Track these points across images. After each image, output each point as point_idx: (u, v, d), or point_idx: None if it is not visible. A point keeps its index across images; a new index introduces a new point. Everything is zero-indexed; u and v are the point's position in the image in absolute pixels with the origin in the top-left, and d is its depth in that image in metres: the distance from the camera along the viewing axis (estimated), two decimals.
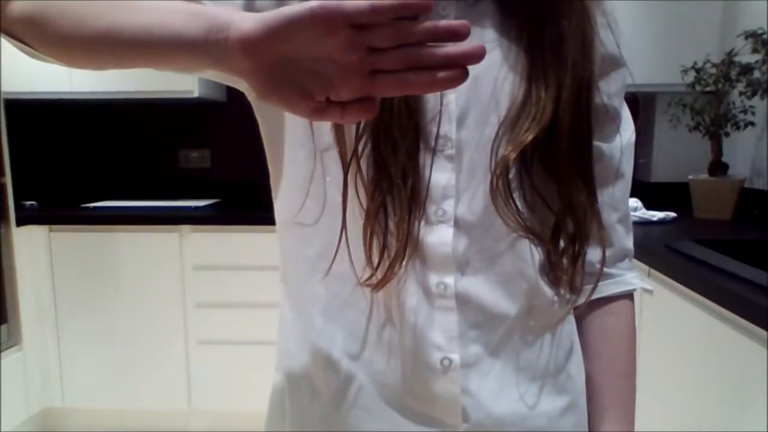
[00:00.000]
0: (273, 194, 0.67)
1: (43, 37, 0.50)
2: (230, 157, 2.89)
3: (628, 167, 0.69)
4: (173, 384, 2.47)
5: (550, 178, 0.57)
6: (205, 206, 2.61)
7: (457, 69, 0.39)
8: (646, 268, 1.56)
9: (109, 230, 2.42)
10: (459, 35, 0.38)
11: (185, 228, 2.39)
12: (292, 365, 0.66)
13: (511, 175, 0.56)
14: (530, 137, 0.55)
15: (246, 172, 2.83)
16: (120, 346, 2.47)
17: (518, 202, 0.57)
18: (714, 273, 1.23)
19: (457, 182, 0.58)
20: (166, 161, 2.93)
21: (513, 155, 0.56)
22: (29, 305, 2.40)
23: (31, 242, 2.41)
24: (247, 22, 0.41)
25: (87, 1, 0.48)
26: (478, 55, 0.39)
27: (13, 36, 0.52)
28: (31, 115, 2.87)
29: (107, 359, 2.47)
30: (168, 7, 0.46)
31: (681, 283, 1.33)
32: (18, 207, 2.38)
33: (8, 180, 2.31)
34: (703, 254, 1.37)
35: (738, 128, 2.04)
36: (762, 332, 1.02)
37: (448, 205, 0.58)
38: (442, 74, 0.39)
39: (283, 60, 0.42)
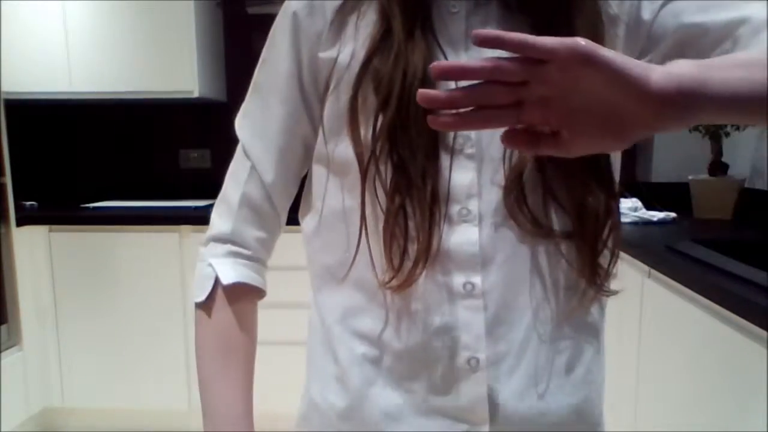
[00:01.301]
0: (301, 215, 0.70)
1: None
2: (230, 157, 2.87)
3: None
4: (173, 384, 2.47)
5: (563, 179, 0.58)
6: (205, 206, 2.61)
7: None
8: (646, 268, 1.56)
9: (109, 230, 2.42)
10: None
11: (185, 228, 2.39)
12: (318, 371, 0.68)
13: (525, 177, 0.57)
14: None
15: None
16: (120, 346, 2.47)
17: (531, 204, 0.57)
18: (714, 273, 1.23)
19: (479, 180, 0.58)
20: (166, 161, 2.93)
21: (527, 160, 0.56)
22: (29, 305, 2.40)
23: (31, 242, 2.41)
24: None
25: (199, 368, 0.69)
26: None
27: None
28: (31, 115, 2.87)
29: (107, 359, 2.47)
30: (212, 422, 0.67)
31: (681, 283, 1.33)
32: (18, 207, 2.38)
33: (8, 180, 2.31)
34: (703, 254, 1.37)
35: (738, 128, 2.04)
36: (762, 332, 1.02)
37: (473, 204, 0.58)
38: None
39: None
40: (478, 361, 0.59)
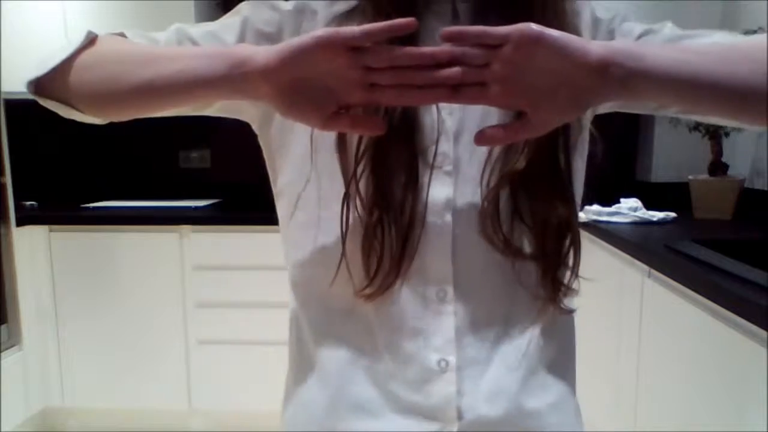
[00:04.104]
0: (279, 216, 0.70)
1: (81, 98, 0.60)
2: (230, 157, 2.89)
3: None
4: (173, 384, 2.47)
5: (528, 200, 0.60)
6: (205, 206, 2.61)
7: (441, 88, 0.48)
8: (646, 268, 1.56)
9: (109, 230, 2.42)
10: (439, 61, 0.48)
11: (185, 228, 2.39)
12: (299, 368, 0.70)
13: (500, 201, 0.60)
14: (522, 166, 0.58)
15: (246, 172, 2.82)
16: (120, 346, 2.47)
17: (504, 226, 0.60)
18: (714, 273, 1.23)
19: (455, 196, 0.61)
20: (166, 161, 2.93)
21: (504, 186, 0.59)
22: (29, 305, 2.40)
23: (31, 242, 2.41)
24: (262, 55, 0.50)
25: (114, 64, 0.58)
26: (456, 78, 0.48)
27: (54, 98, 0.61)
28: (31, 115, 2.87)
29: (107, 359, 2.47)
30: (191, 54, 0.56)
31: (681, 283, 1.33)
32: (18, 207, 2.38)
33: (8, 180, 2.31)
34: (703, 254, 1.37)
35: (738, 128, 2.04)
36: (762, 332, 1.02)
37: (448, 218, 0.61)
38: (429, 91, 0.49)
39: (296, 81, 0.50)
40: (447, 363, 0.62)
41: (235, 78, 0.52)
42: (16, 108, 2.49)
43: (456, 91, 0.49)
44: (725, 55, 0.52)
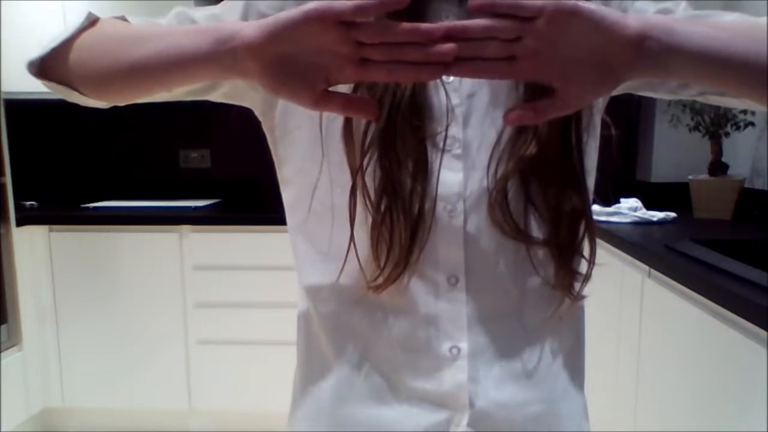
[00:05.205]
0: (285, 205, 0.70)
1: (81, 79, 0.60)
2: (230, 157, 2.89)
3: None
4: (173, 384, 2.47)
5: (541, 187, 0.60)
6: (205, 206, 2.61)
7: (436, 65, 0.46)
8: (646, 268, 1.56)
9: (109, 230, 2.42)
10: (433, 39, 0.45)
11: (185, 228, 2.39)
12: (307, 358, 0.70)
13: (509, 186, 0.59)
14: (533, 153, 0.57)
15: (246, 172, 2.83)
16: (120, 346, 2.47)
17: (513, 211, 0.60)
18: (714, 273, 1.23)
19: (465, 181, 0.60)
20: (166, 161, 2.93)
21: (513, 173, 0.58)
22: (29, 305, 2.40)
23: (31, 242, 2.41)
24: (249, 30, 0.48)
25: (110, 43, 0.58)
26: (452, 54, 0.45)
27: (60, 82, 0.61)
28: (31, 115, 2.87)
29: (107, 359, 2.47)
30: (183, 30, 0.55)
31: (681, 283, 1.33)
32: (18, 207, 2.38)
33: (8, 180, 2.31)
34: (703, 254, 1.37)
35: (738, 128, 2.04)
36: (762, 332, 1.02)
37: (459, 204, 0.60)
38: (422, 68, 0.46)
39: (285, 57, 0.48)
40: (459, 350, 0.62)
41: (221, 54, 0.50)
42: (16, 108, 2.49)
43: (450, 67, 0.47)
44: (752, 32, 0.51)
